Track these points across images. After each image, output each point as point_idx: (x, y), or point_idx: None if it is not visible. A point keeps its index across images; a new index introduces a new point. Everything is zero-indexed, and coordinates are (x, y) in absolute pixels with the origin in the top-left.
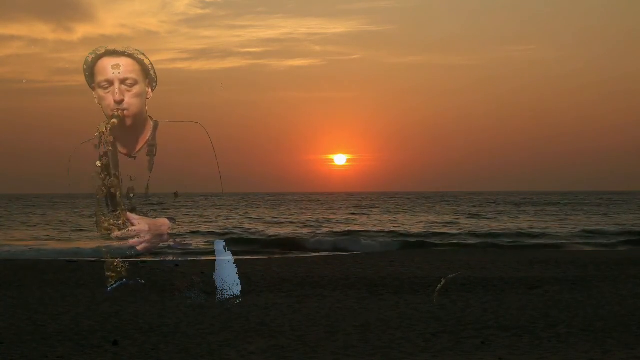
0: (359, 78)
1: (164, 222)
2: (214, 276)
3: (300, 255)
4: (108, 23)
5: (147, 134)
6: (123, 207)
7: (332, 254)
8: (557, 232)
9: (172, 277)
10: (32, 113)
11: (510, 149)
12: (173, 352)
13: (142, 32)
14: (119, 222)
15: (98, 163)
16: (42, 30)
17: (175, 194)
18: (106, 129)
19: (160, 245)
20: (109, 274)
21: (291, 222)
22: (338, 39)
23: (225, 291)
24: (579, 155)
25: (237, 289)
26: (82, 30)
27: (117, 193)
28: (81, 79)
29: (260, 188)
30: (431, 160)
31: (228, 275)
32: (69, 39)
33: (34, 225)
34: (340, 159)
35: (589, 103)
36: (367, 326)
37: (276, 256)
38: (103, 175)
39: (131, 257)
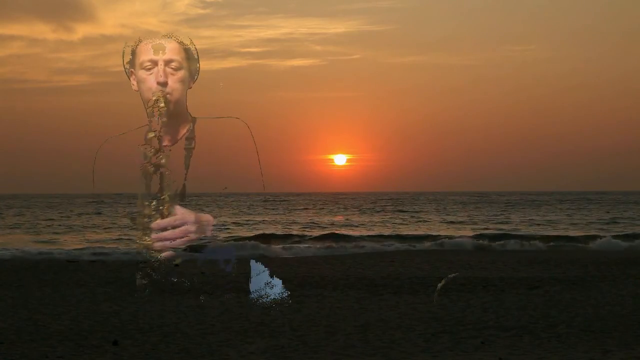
0: (359, 78)
1: (208, 218)
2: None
3: (301, 255)
4: (108, 23)
5: (186, 127)
6: (169, 193)
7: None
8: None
9: (173, 277)
10: (32, 113)
11: (511, 149)
12: (173, 352)
13: (143, 32)
14: (163, 208)
15: (151, 134)
16: (43, 30)
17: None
18: (162, 97)
19: (201, 239)
20: (141, 275)
21: (276, 223)
22: (338, 39)
23: (269, 294)
24: (580, 155)
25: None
26: (82, 30)
27: (167, 173)
28: (81, 79)
29: (260, 188)
30: (431, 160)
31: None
32: (69, 39)
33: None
34: (340, 159)
35: (588, 102)
36: (367, 326)
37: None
38: (153, 150)
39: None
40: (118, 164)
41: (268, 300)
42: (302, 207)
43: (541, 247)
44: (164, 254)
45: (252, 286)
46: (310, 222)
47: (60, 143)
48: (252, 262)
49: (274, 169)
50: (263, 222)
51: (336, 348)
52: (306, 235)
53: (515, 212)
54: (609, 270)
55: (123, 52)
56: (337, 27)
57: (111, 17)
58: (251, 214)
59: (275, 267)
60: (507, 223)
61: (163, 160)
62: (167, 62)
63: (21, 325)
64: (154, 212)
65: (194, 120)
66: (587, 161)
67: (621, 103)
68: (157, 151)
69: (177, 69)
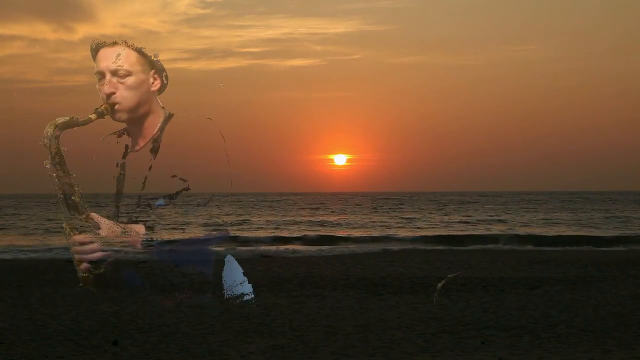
0: (359, 78)
1: (137, 229)
2: (223, 279)
3: (301, 255)
4: (109, 23)
5: (153, 129)
6: (83, 210)
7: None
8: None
9: (173, 277)
10: (32, 113)
11: (511, 149)
12: (173, 352)
13: (143, 32)
14: (80, 225)
15: (46, 163)
16: (43, 30)
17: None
18: (55, 126)
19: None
20: (80, 274)
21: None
22: (338, 39)
23: (236, 291)
24: (580, 155)
25: (244, 288)
26: (82, 30)
27: (75, 197)
28: (81, 79)
29: (260, 188)
30: (431, 160)
31: (236, 277)
32: (70, 38)
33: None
34: (340, 159)
35: (589, 102)
36: (367, 326)
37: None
38: (56, 174)
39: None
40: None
41: (238, 298)
42: (296, 207)
43: (540, 248)
44: (83, 265)
45: (225, 285)
46: (279, 221)
47: (59, 143)
48: (227, 261)
49: (274, 168)
50: (256, 222)
51: (336, 348)
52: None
53: (513, 212)
54: (609, 270)
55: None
56: (337, 27)
57: (111, 17)
58: (246, 214)
59: (276, 267)
60: (504, 222)
61: (73, 186)
62: (114, 72)
63: (21, 325)
64: (73, 228)
65: (169, 116)
66: (587, 161)
67: (621, 103)
68: (61, 178)
69: (124, 77)
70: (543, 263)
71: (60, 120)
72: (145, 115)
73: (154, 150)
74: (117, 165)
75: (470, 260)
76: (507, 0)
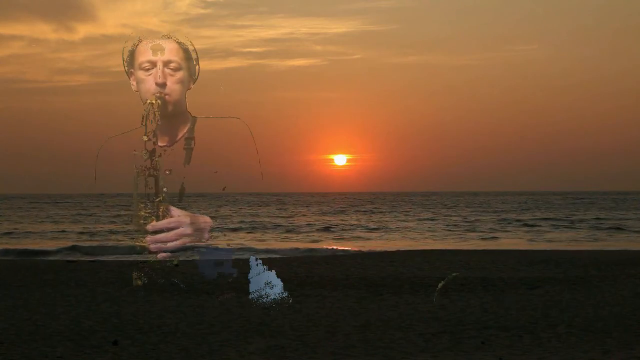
0: (359, 78)
1: (205, 220)
2: (252, 281)
3: (300, 255)
4: (109, 23)
5: (185, 127)
6: (164, 195)
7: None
8: None
9: (173, 277)
10: (32, 113)
11: (510, 149)
12: (173, 352)
13: (144, 32)
14: (158, 211)
15: (145, 138)
16: (44, 30)
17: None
18: (156, 102)
19: (200, 243)
20: (137, 274)
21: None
22: (339, 39)
23: (269, 294)
24: (578, 155)
25: (277, 290)
26: (83, 30)
27: (160, 176)
28: (81, 79)
29: (260, 188)
30: (431, 160)
31: (270, 280)
32: (70, 38)
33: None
34: (340, 159)
35: (587, 102)
36: (367, 326)
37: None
38: (147, 154)
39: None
40: (117, 164)
41: (268, 300)
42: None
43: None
44: (160, 255)
45: (252, 286)
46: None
47: (60, 143)
48: (252, 262)
49: (274, 168)
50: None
51: (336, 348)
52: None
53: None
54: (609, 270)
55: (123, 51)
56: (337, 27)
57: (112, 17)
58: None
59: (275, 267)
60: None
61: (158, 164)
62: (166, 63)
63: (21, 325)
64: (149, 214)
65: (194, 119)
66: (587, 161)
67: (621, 102)
68: (151, 155)
69: (175, 70)
70: (543, 263)
71: (149, 102)
72: (179, 114)
73: (188, 151)
74: (151, 166)
75: (470, 261)
76: (508, 0)
